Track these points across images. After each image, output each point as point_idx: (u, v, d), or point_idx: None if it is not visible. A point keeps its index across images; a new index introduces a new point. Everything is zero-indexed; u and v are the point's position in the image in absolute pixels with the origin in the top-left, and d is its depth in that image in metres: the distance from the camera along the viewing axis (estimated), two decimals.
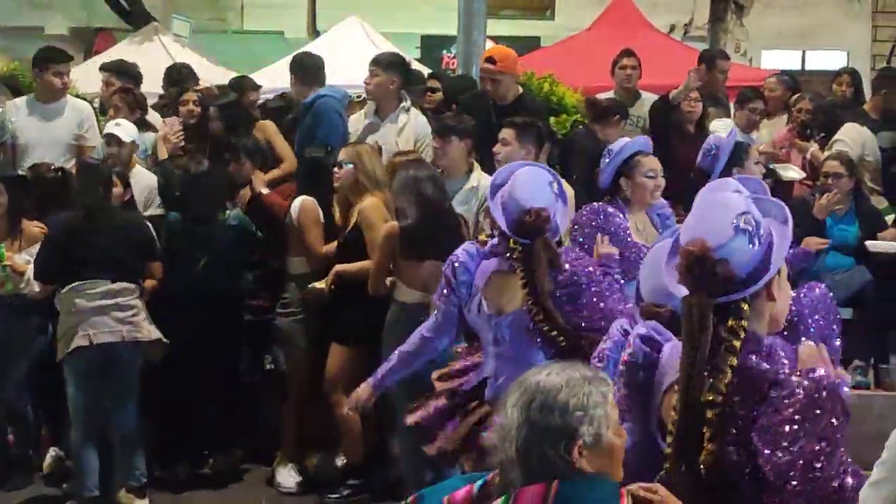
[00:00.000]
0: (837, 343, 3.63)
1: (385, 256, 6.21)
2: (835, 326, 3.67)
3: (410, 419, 4.94)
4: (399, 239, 6.06)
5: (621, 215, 5.50)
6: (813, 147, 8.51)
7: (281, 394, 7.12)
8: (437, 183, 6.13)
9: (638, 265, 4.30)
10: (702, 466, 2.78)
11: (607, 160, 5.79)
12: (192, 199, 7.06)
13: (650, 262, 3.62)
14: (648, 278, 3.56)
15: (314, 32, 19.04)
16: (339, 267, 6.65)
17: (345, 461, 6.91)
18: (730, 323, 2.82)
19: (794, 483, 2.69)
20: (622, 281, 5.07)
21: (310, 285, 6.75)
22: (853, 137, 8.30)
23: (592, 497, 2.61)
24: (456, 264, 4.73)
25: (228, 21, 22.35)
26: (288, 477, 6.95)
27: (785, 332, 3.28)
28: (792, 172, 8.33)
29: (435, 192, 6.04)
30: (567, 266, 4.53)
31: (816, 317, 3.52)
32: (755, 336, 2.85)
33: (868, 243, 7.45)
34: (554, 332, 4.46)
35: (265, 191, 7.47)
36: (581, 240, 5.36)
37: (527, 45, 17.16)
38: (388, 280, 6.28)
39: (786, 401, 2.70)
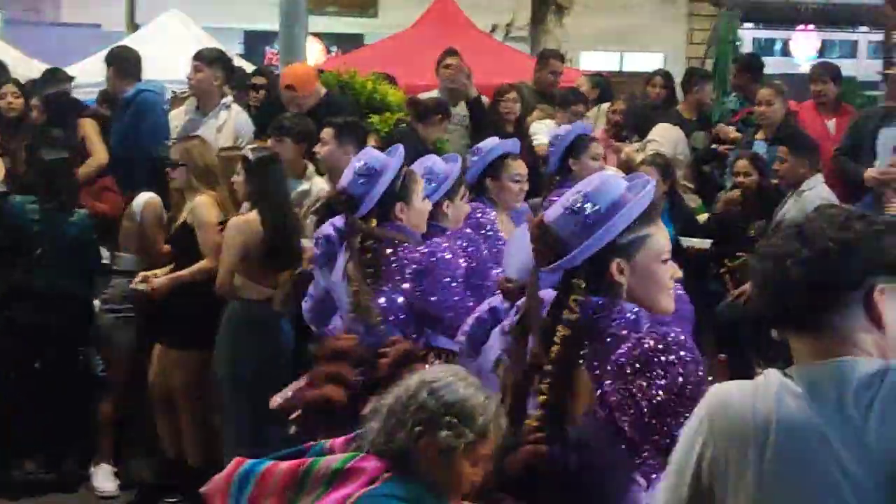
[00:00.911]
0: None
1: (233, 256, 5.98)
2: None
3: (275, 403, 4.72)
4: (258, 248, 5.91)
5: (493, 213, 5.55)
6: (627, 148, 8.73)
7: (98, 393, 6.92)
8: (284, 182, 6.13)
9: None
10: (525, 436, 2.86)
11: (475, 158, 5.78)
12: (53, 187, 6.72)
13: (515, 241, 3.95)
14: (514, 255, 3.83)
15: (133, 25, 18.67)
16: (176, 276, 6.41)
17: (168, 464, 6.78)
18: (565, 297, 2.94)
19: (632, 430, 2.75)
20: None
21: (137, 283, 6.49)
22: (665, 136, 8.56)
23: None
24: (319, 237, 4.79)
25: (44, 12, 21.74)
26: (105, 481, 6.81)
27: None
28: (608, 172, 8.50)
29: (286, 193, 6.04)
30: (424, 248, 4.47)
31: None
32: (620, 306, 2.92)
33: (681, 239, 7.64)
34: (359, 307, 4.44)
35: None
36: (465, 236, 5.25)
37: (350, 41, 17.21)
38: (239, 282, 6.07)
39: (631, 352, 2.77)
